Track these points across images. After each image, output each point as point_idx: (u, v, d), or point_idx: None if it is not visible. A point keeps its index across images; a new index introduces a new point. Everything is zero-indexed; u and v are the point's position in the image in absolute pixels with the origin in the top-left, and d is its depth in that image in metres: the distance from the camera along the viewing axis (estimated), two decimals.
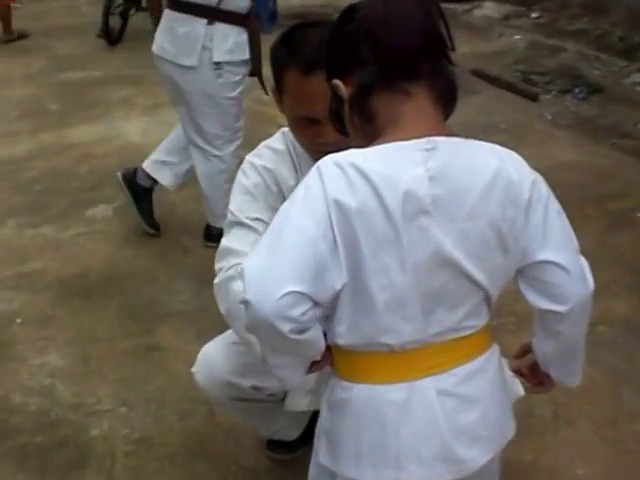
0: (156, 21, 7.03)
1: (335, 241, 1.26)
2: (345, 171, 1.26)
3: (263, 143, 1.95)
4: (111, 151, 4.82)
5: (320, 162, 1.30)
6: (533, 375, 1.57)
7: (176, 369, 2.83)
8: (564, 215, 1.39)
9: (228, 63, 3.24)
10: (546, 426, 2.56)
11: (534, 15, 6.40)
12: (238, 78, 3.31)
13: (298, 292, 1.22)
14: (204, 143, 3.45)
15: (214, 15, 3.19)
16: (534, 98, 5.12)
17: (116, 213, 4.06)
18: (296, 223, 1.26)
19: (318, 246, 1.24)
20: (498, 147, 1.36)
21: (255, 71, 3.36)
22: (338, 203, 1.25)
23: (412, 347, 1.33)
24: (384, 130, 1.32)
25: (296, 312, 1.23)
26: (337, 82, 1.35)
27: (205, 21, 3.18)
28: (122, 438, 2.55)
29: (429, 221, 1.27)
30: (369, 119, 1.32)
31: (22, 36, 6.92)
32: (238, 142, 3.46)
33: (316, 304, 1.26)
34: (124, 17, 6.88)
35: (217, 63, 3.21)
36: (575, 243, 1.39)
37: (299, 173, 1.87)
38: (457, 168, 1.28)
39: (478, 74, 5.50)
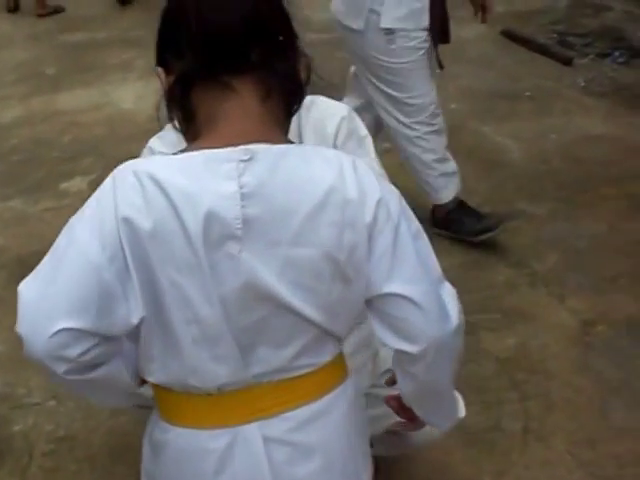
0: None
1: (127, 268, 1.09)
2: (143, 183, 1.08)
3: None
4: (100, 119, 4.70)
5: (117, 169, 1.12)
6: (402, 410, 1.36)
7: None
8: (423, 239, 1.19)
9: (402, 30, 3.04)
10: (513, 442, 2.33)
11: None
12: (415, 43, 3.07)
13: (74, 329, 1.07)
14: (390, 114, 3.22)
15: None
16: (568, 62, 4.78)
17: (91, 186, 3.93)
18: (80, 244, 1.10)
19: (103, 274, 1.08)
20: (342, 156, 1.15)
21: (444, 38, 3.17)
22: (129, 222, 1.07)
23: (232, 389, 1.16)
24: (201, 132, 1.15)
25: (72, 352, 1.09)
26: (158, 70, 1.18)
27: None
28: (45, 435, 2.48)
29: (239, 247, 1.09)
30: (188, 116, 1.16)
31: (58, 10, 6.77)
32: (431, 108, 3.17)
33: (108, 339, 1.11)
34: None
35: (388, 30, 3.02)
36: (435, 273, 1.19)
37: None
38: (279, 184, 1.09)
39: (509, 35, 5.18)
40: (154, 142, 1.72)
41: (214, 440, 1.19)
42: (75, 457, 2.39)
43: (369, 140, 1.73)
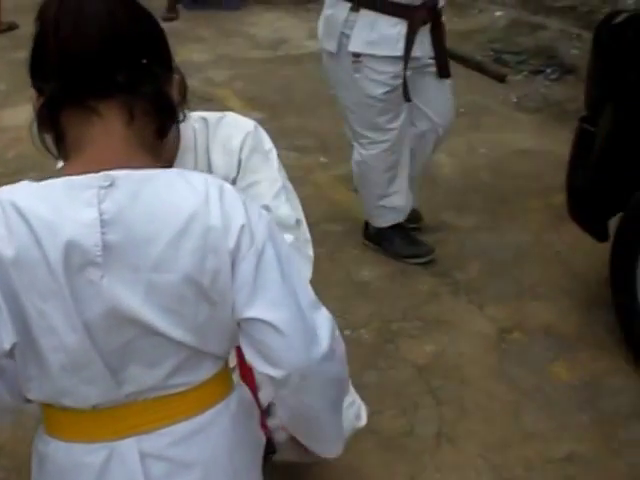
0: None
1: None
2: (5, 212, 1.08)
3: None
4: None
5: None
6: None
7: None
8: (293, 264, 1.19)
9: (370, 57, 2.90)
10: (425, 446, 2.39)
11: None
12: (382, 78, 2.92)
13: None
14: (352, 138, 3.23)
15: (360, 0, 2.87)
16: (502, 79, 4.90)
17: None
18: None
19: None
20: (210, 182, 1.15)
21: (444, 72, 3.06)
22: None
23: (106, 407, 1.18)
24: (69, 155, 1.15)
25: None
26: (32, 91, 1.17)
27: (349, 5, 2.88)
28: None
29: (100, 273, 1.09)
30: (58, 139, 1.16)
31: (12, 27, 6.75)
32: (384, 145, 3.07)
33: None
34: None
35: (355, 54, 2.90)
36: (305, 298, 1.18)
37: None
38: (139, 210, 1.09)
39: None
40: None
41: (91, 455, 1.20)
42: (3, 466, 2.41)
43: (273, 154, 1.79)
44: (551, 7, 5.64)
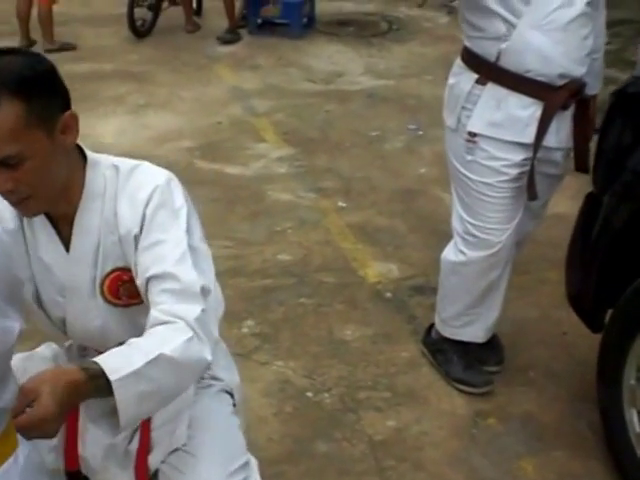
0: (189, 18, 7.04)
1: None
2: None
3: None
4: None
5: None
6: None
7: None
8: None
9: (488, 139, 2.46)
10: None
11: None
12: (498, 165, 2.48)
13: None
14: (455, 231, 2.68)
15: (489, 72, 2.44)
16: None
17: None
18: None
19: None
20: None
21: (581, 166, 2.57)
22: None
23: None
24: None
25: None
26: None
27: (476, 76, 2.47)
28: None
29: None
30: None
31: (66, 48, 6.83)
32: (492, 250, 2.57)
33: None
34: (154, 10, 6.85)
35: (471, 134, 2.48)
36: None
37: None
38: None
39: None
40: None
41: None
42: None
43: (184, 212, 1.67)
44: None
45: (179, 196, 1.67)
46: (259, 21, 6.90)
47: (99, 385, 1.39)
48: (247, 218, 3.94)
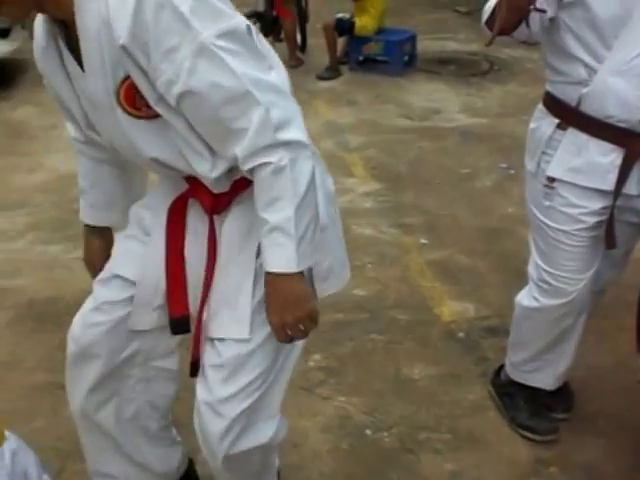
0: (292, 54, 7.20)
1: None
2: None
3: None
4: None
5: None
6: None
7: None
8: None
9: (567, 184, 2.40)
10: None
11: None
12: (576, 212, 2.41)
13: None
14: (530, 276, 2.63)
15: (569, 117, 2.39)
16: None
17: None
18: None
19: None
20: None
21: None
22: None
23: None
24: None
25: None
26: None
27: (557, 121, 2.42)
28: None
29: None
30: None
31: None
32: (566, 299, 2.51)
33: None
34: None
35: (550, 179, 2.42)
36: None
37: None
38: None
39: None
40: None
41: None
42: None
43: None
44: None
45: None
46: (361, 58, 7.00)
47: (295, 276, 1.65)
48: None
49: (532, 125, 2.51)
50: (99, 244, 2.11)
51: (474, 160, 5.02)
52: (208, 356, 1.85)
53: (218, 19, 1.53)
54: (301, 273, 1.67)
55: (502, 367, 2.85)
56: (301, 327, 1.72)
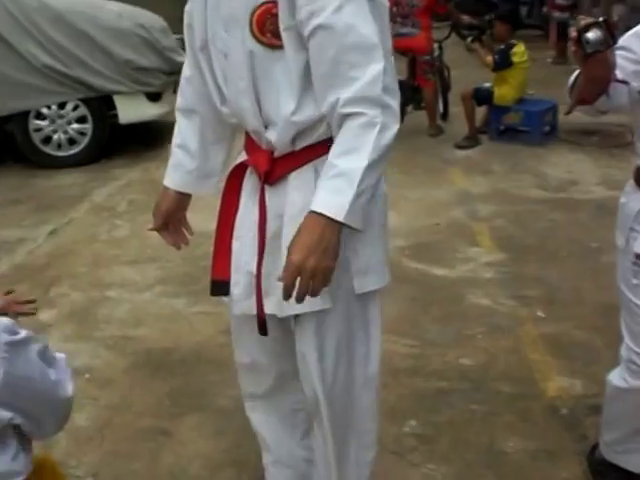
0: (432, 123, 7.32)
1: None
2: None
3: None
4: None
5: None
6: None
7: (172, 461, 2.97)
8: None
9: None
10: None
11: None
12: None
13: None
14: (620, 356, 2.55)
15: None
16: None
17: None
18: None
19: None
20: None
21: None
22: None
23: None
24: None
25: None
26: None
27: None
28: None
29: None
30: None
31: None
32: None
33: None
34: (400, 112, 7.17)
35: (637, 256, 2.38)
36: None
37: None
38: None
39: None
40: None
41: None
42: None
43: None
44: None
45: None
46: (501, 128, 7.02)
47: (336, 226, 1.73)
48: (440, 319, 3.99)
49: (622, 200, 2.49)
50: (176, 197, 2.29)
51: (605, 234, 4.86)
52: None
53: None
54: (340, 228, 1.72)
55: (595, 446, 2.76)
56: (311, 282, 1.72)
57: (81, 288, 4.52)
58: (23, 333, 1.56)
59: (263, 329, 2.04)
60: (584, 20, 2.00)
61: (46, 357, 1.65)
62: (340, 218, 1.70)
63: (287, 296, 1.73)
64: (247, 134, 2.07)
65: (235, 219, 2.07)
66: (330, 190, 1.72)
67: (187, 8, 2.04)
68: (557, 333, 3.81)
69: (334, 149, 1.76)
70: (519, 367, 3.52)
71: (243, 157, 2.10)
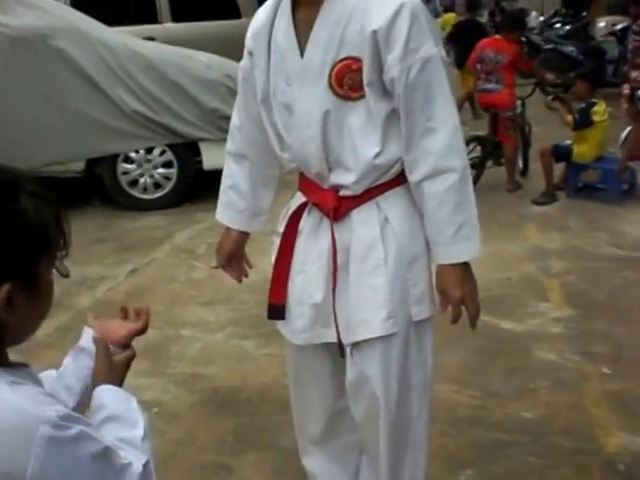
0: (510, 178, 7.36)
1: None
2: None
3: None
4: None
5: None
6: None
7: None
8: None
9: None
10: None
11: None
12: None
13: None
14: None
15: None
16: None
17: None
18: None
19: None
20: None
21: None
22: None
23: None
24: None
25: None
26: None
27: None
28: None
29: None
30: None
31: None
32: None
33: None
34: (479, 168, 7.24)
35: None
36: None
37: None
38: None
39: None
40: None
41: None
42: None
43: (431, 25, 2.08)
44: None
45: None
46: (579, 185, 7.02)
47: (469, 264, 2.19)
48: (504, 372, 4.02)
49: None
50: (236, 237, 2.49)
51: None
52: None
53: (439, 43, 2.03)
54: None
55: None
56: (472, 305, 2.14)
57: (157, 326, 4.70)
58: (75, 429, 1.21)
59: (341, 351, 2.21)
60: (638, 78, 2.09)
61: (109, 462, 1.28)
62: (477, 254, 2.14)
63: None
64: (303, 176, 2.22)
65: (293, 254, 2.22)
66: (460, 241, 2.07)
67: (242, 64, 2.24)
68: (622, 390, 3.79)
69: (442, 208, 2.03)
70: (580, 422, 3.53)
71: (300, 197, 2.24)
